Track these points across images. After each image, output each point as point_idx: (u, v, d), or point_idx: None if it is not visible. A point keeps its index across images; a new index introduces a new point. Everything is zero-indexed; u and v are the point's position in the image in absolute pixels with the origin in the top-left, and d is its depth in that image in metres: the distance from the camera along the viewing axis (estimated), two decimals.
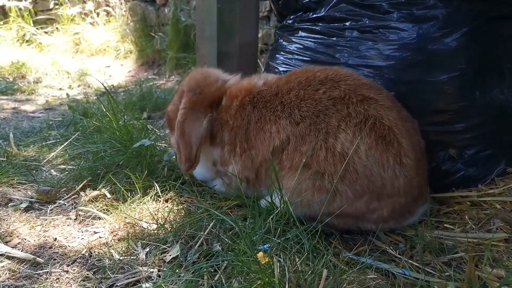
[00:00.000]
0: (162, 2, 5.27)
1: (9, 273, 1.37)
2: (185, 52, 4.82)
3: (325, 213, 1.51)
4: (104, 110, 2.44)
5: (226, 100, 1.79)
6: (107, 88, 3.13)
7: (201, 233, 1.52)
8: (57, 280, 1.35)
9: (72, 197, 1.92)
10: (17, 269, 1.40)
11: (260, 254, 1.22)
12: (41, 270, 1.40)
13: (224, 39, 2.62)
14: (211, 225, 1.55)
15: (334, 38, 2.03)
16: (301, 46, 2.16)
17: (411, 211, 1.60)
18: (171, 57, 4.81)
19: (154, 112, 3.34)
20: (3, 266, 1.41)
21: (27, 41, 6.10)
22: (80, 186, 1.96)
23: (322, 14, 2.10)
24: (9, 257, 1.46)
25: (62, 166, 2.24)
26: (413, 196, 1.56)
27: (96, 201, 1.83)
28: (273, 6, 2.56)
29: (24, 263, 1.44)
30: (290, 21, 2.31)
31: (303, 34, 2.19)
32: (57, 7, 6.35)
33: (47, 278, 1.35)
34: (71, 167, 2.21)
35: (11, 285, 1.32)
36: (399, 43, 1.84)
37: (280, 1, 2.40)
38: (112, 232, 1.62)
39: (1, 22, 6.07)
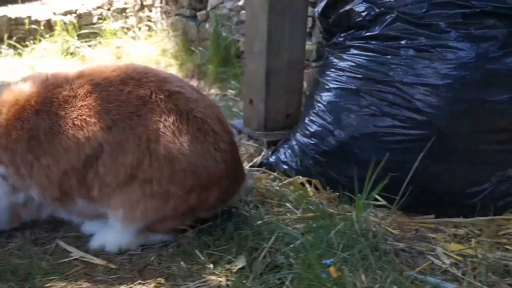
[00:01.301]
0: (204, 18, 5.40)
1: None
2: (225, 66, 4.90)
3: (159, 219, 1.53)
4: None
5: None
6: None
7: (265, 244, 1.54)
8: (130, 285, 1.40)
9: None
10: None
11: (332, 268, 1.25)
12: (114, 275, 1.45)
13: (273, 55, 2.67)
14: (273, 238, 1.57)
15: (388, 56, 2.04)
16: (353, 64, 2.19)
17: (236, 189, 1.70)
18: (211, 71, 4.91)
19: None
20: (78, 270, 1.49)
21: (71, 53, 6.32)
22: None
23: (376, 32, 2.12)
24: (83, 262, 1.53)
25: None
26: (234, 177, 1.65)
27: None
28: (319, 23, 2.59)
29: (97, 267, 1.50)
30: (340, 39, 2.33)
31: (355, 51, 2.21)
32: (100, 21, 6.58)
33: (121, 283, 1.41)
34: None
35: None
36: (457, 62, 1.85)
37: (330, 18, 2.44)
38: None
39: (47, 36, 6.32)
